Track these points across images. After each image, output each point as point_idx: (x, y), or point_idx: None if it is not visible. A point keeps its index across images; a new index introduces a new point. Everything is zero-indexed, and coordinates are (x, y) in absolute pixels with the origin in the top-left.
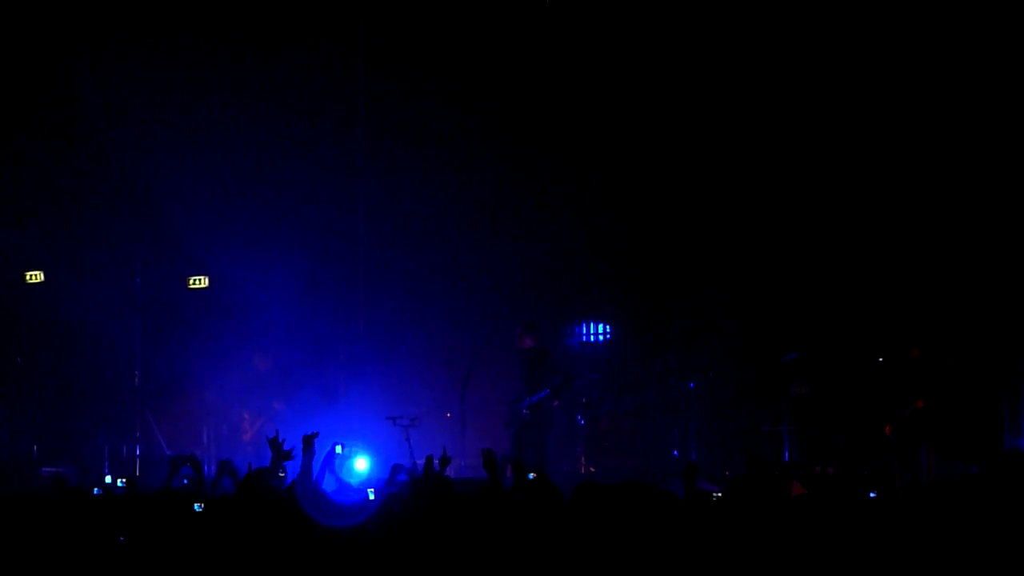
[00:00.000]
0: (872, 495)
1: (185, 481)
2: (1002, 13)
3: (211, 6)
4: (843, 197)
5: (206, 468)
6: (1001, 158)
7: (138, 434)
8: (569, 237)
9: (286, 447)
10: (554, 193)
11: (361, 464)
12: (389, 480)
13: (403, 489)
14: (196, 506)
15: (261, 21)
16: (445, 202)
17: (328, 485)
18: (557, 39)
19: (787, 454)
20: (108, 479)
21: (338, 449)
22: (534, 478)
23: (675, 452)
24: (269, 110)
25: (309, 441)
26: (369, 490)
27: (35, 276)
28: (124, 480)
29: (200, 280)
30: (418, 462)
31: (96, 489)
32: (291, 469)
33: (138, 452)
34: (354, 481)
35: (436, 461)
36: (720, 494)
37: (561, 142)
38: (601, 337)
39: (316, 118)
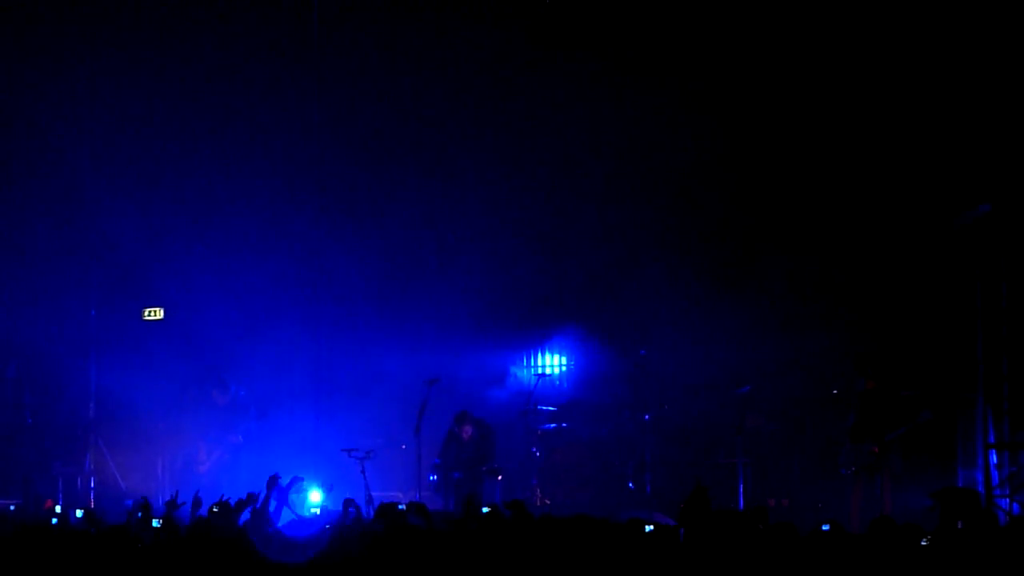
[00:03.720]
0: (825, 528)
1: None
2: None
3: (166, 33)
4: (798, 227)
5: (160, 499)
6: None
7: (92, 466)
8: (526, 269)
9: (244, 485)
10: (510, 226)
11: (315, 496)
12: (342, 515)
13: (355, 523)
14: (154, 522)
15: (216, 53)
16: (401, 234)
17: (283, 518)
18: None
19: (741, 486)
20: (58, 508)
21: (308, 487)
22: (489, 511)
23: (630, 484)
24: (224, 140)
25: (272, 483)
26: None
27: None
28: (82, 511)
29: (155, 312)
30: (373, 495)
31: (53, 519)
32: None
33: (92, 484)
34: (307, 513)
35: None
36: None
37: (519, 175)
38: (558, 369)
39: (271, 149)
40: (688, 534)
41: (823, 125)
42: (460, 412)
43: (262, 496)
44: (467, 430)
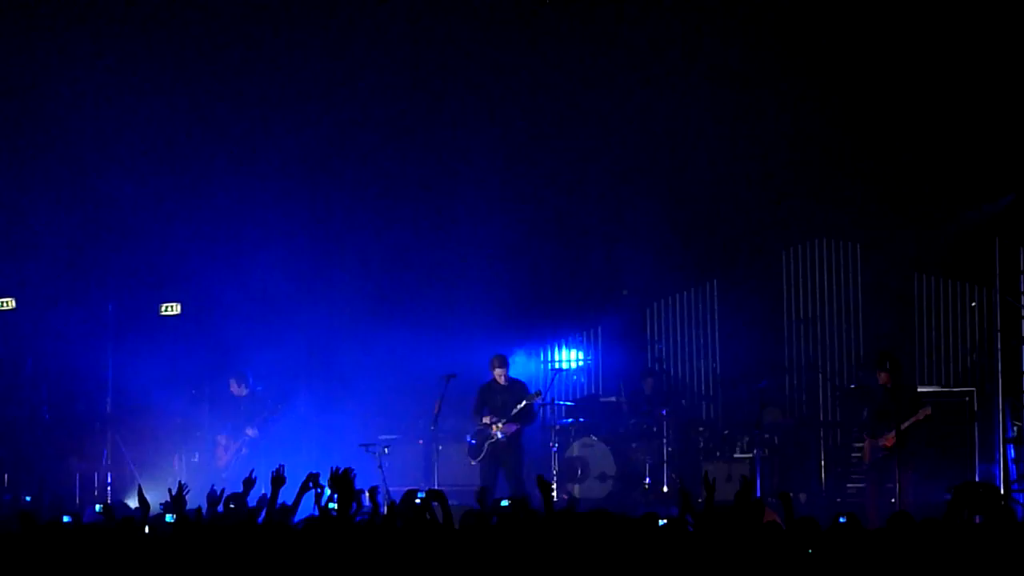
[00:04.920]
0: (842, 520)
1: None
2: None
3: (184, 25)
4: (814, 221)
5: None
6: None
7: (109, 461)
8: (544, 264)
9: (254, 475)
10: (528, 220)
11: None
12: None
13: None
14: (168, 517)
15: (233, 44)
16: (416, 230)
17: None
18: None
19: (759, 481)
20: (66, 519)
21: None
22: (510, 504)
23: (648, 479)
24: (242, 135)
25: (278, 478)
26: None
27: (6, 303)
28: (100, 507)
29: (172, 307)
30: (391, 490)
31: (66, 517)
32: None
33: (109, 479)
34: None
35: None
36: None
37: (538, 168)
38: (575, 364)
39: (287, 142)
40: (701, 528)
41: (839, 117)
42: (495, 355)
43: (265, 493)
44: (503, 373)
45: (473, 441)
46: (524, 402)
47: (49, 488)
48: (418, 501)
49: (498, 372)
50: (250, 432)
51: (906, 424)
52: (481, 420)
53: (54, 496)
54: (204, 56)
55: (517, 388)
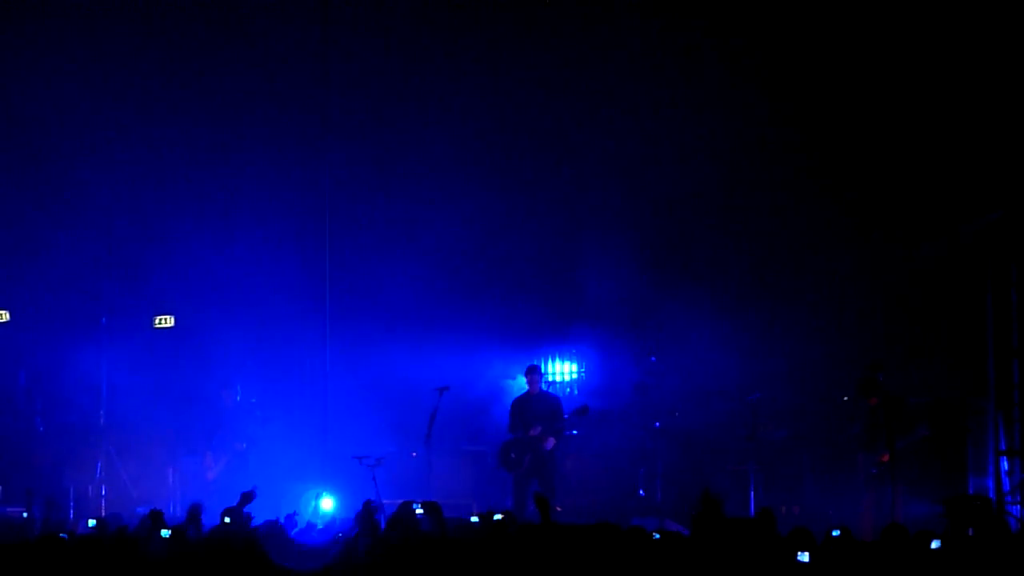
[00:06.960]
0: (836, 533)
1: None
2: None
3: (178, 36)
4: (807, 234)
5: (172, 508)
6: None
7: (103, 474)
8: (539, 277)
9: (249, 488)
10: (522, 234)
11: (327, 504)
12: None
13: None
14: (164, 532)
15: (229, 58)
16: (410, 241)
17: (294, 526)
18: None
19: (752, 493)
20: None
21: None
22: (502, 518)
23: (641, 491)
24: (234, 150)
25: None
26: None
27: (1, 316)
28: (95, 521)
29: (166, 320)
30: (384, 502)
31: (62, 534)
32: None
33: (103, 492)
34: (320, 522)
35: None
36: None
37: (531, 184)
38: (569, 376)
39: (281, 158)
40: (698, 541)
41: (832, 133)
42: (530, 365)
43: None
44: (538, 380)
45: (513, 455)
46: (578, 412)
47: (48, 503)
48: (420, 513)
49: (533, 380)
50: (239, 446)
51: (902, 444)
52: (526, 432)
53: (54, 512)
54: (202, 72)
55: (551, 400)
